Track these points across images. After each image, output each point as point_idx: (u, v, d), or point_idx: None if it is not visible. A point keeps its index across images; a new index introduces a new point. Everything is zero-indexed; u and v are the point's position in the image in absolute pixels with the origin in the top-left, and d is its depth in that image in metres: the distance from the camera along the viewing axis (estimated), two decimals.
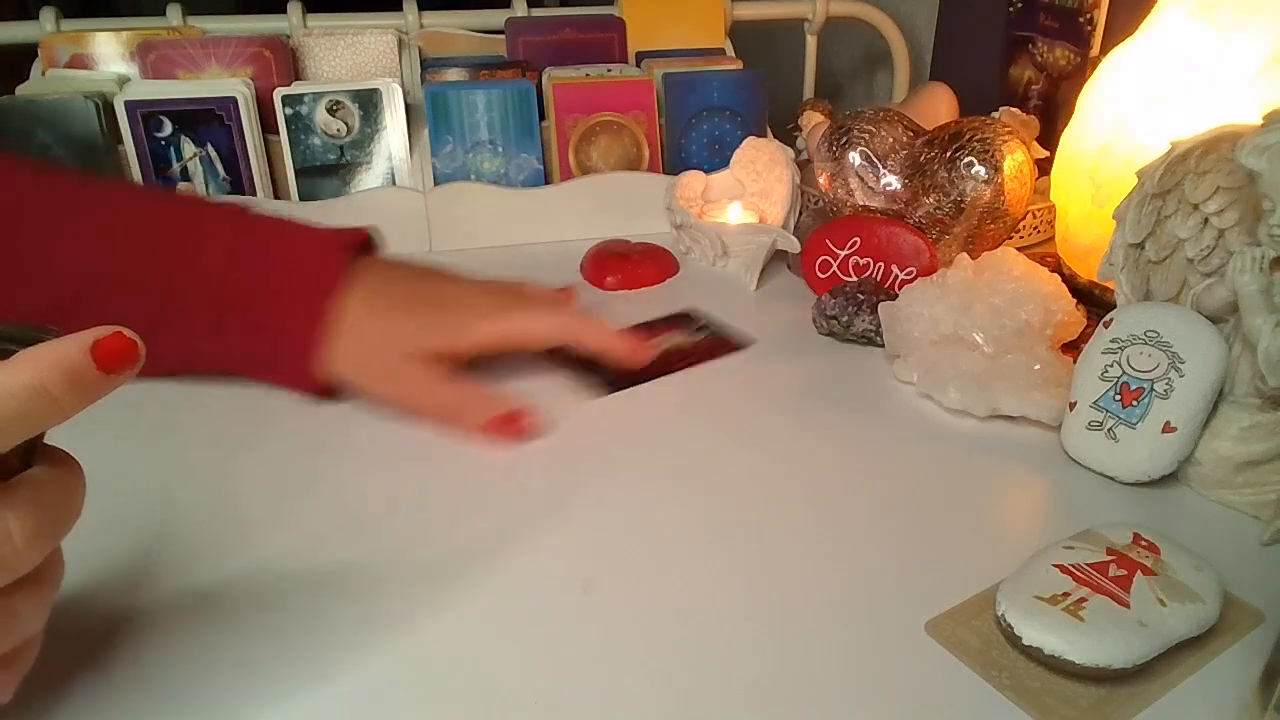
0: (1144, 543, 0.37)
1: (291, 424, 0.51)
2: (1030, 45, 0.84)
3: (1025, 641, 0.33)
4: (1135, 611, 0.34)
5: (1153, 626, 0.33)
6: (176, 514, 0.43)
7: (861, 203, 0.68)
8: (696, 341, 0.58)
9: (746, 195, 0.77)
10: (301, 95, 0.73)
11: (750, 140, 0.77)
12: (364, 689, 0.33)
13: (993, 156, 0.61)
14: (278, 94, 0.72)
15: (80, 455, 0.30)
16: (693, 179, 0.76)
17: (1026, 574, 0.36)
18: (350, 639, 0.36)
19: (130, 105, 0.70)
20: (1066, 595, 0.34)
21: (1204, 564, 0.36)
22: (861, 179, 0.68)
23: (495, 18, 0.89)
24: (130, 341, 0.28)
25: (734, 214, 0.75)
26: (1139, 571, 0.35)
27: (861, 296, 0.59)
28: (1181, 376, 0.43)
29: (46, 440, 0.28)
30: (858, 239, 0.63)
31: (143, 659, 0.35)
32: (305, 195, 0.75)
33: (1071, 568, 0.36)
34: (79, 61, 0.79)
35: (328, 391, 0.51)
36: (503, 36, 0.87)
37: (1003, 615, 0.34)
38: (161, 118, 0.71)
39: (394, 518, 0.43)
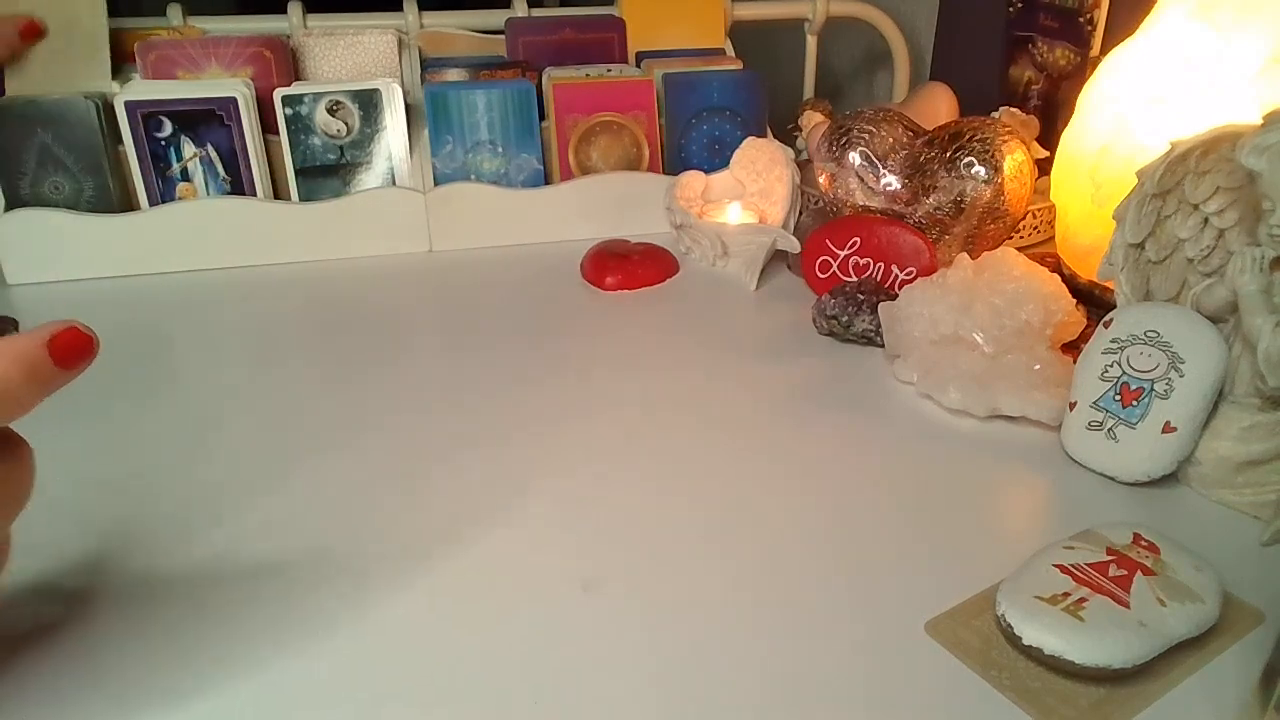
0: (1144, 543, 0.37)
1: (285, 421, 0.51)
2: (1030, 45, 0.84)
3: (1025, 641, 0.33)
4: (1135, 611, 0.33)
5: (1153, 626, 0.33)
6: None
7: (861, 203, 0.68)
8: None
9: (746, 195, 0.77)
10: (301, 95, 0.73)
11: (750, 140, 0.77)
12: (362, 689, 0.33)
13: (993, 156, 0.61)
14: (278, 94, 0.72)
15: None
16: (693, 179, 0.77)
17: (1026, 574, 0.36)
18: (346, 639, 0.36)
19: (130, 105, 0.70)
20: (1066, 595, 0.34)
21: (1204, 564, 0.36)
22: (861, 179, 0.68)
23: (495, 18, 0.89)
24: (86, 336, 0.29)
25: (734, 214, 0.75)
26: (1139, 571, 0.35)
27: (861, 296, 0.59)
28: (1181, 376, 0.43)
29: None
30: (858, 239, 0.63)
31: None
32: (305, 195, 0.75)
33: (1071, 568, 0.36)
34: None
35: None
36: (503, 36, 0.87)
37: (1003, 615, 0.34)
38: (161, 118, 0.71)
39: (393, 518, 0.43)
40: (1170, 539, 0.38)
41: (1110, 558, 0.36)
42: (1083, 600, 0.34)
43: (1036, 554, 0.37)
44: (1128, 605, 0.34)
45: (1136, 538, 0.38)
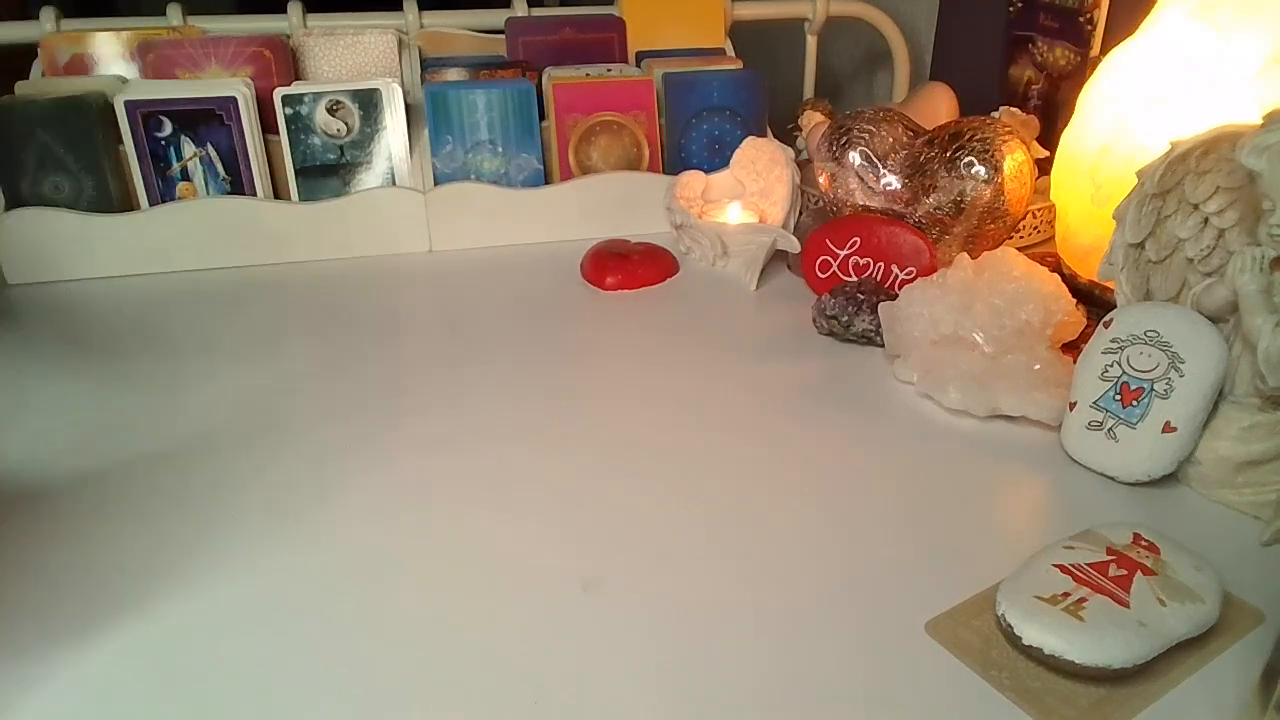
0: (1144, 543, 0.37)
1: (285, 420, 0.51)
2: (1030, 45, 0.84)
3: (1025, 641, 0.33)
4: (1135, 611, 0.33)
5: (1153, 626, 0.33)
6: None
7: (861, 203, 0.68)
8: None
9: (746, 195, 0.77)
10: (301, 95, 0.73)
11: (750, 140, 0.77)
12: (359, 687, 0.33)
13: (993, 156, 0.61)
14: (278, 94, 0.72)
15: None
16: (693, 179, 0.77)
17: (1026, 574, 0.36)
18: (343, 638, 0.36)
19: (130, 105, 0.70)
20: (1066, 595, 0.34)
21: (1204, 564, 0.36)
22: (861, 179, 0.68)
23: (495, 18, 0.89)
24: None
25: (734, 214, 0.75)
26: (1139, 571, 0.35)
27: (861, 296, 0.59)
28: (1181, 376, 0.43)
29: None
30: (858, 239, 0.63)
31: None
32: (305, 195, 0.75)
33: (1071, 568, 0.36)
34: (79, 61, 0.79)
35: None
36: (503, 36, 0.87)
37: (1003, 615, 0.34)
38: (161, 118, 0.71)
39: (390, 515, 0.43)
40: (1170, 539, 0.38)
41: (1110, 558, 0.36)
42: (1083, 600, 0.34)
43: (1036, 554, 0.37)
44: (1128, 605, 0.34)
45: (1136, 538, 0.38)
